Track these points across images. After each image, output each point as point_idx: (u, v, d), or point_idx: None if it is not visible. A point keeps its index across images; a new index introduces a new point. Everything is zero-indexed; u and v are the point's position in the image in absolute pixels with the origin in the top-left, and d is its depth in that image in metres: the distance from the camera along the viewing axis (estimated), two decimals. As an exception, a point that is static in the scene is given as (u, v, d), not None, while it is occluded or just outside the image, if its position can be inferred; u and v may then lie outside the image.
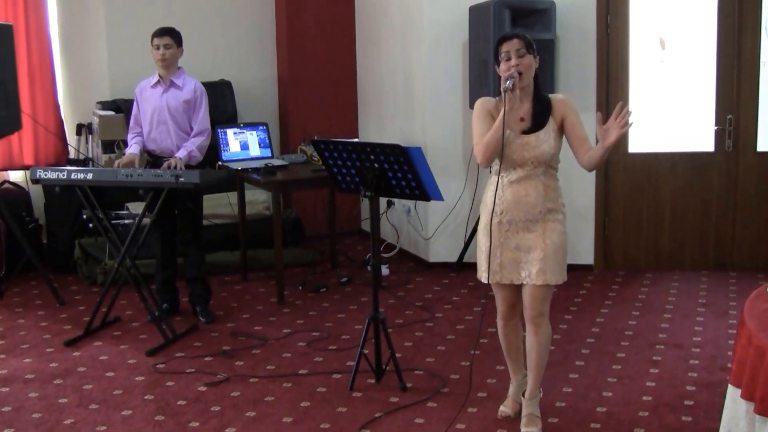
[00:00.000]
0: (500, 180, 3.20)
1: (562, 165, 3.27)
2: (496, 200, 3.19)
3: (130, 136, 4.73)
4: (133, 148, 4.62)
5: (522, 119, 3.17)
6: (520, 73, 3.08)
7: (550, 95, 3.25)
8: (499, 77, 3.16)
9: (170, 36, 4.57)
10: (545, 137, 3.15)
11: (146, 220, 4.43)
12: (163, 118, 4.62)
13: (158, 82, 4.65)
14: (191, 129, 4.67)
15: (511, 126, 3.15)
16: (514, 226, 3.19)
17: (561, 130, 3.20)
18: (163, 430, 3.36)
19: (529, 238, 3.18)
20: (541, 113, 3.17)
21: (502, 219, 3.19)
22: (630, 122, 3.04)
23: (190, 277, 4.79)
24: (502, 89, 3.08)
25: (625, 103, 3.02)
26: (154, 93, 4.65)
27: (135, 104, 4.75)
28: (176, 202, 4.58)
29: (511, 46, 3.10)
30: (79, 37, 6.20)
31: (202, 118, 4.67)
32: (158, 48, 4.56)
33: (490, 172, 3.28)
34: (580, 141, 3.19)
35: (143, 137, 4.69)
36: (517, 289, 3.28)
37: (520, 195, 3.16)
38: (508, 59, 3.10)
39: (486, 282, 3.28)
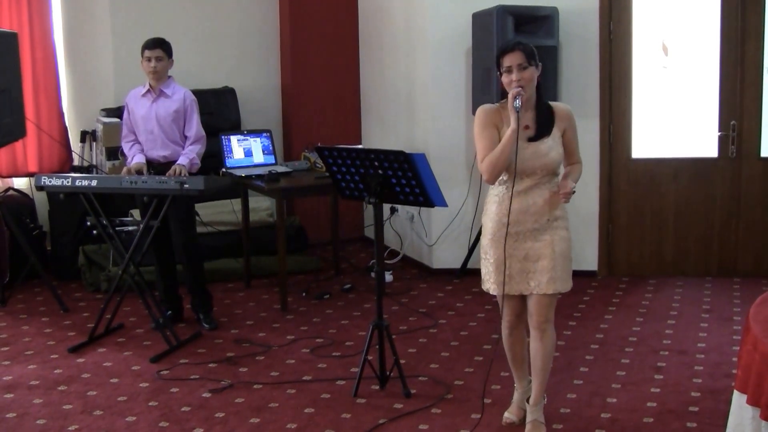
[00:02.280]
0: (507, 190, 3.18)
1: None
2: (503, 211, 3.17)
3: (127, 145, 4.72)
4: (138, 157, 4.63)
5: (527, 127, 3.16)
6: (522, 87, 3.08)
7: (552, 103, 3.25)
8: (502, 84, 3.15)
9: (161, 48, 4.59)
10: (553, 144, 3.15)
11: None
12: (151, 128, 4.63)
13: (148, 91, 4.66)
14: (181, 138, 4.67)
15: (507, 132, 3.14)
16: (522, 237, 3.18)
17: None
18: (167, 437, 3.37)
19: (538, 247, 3.17)
20: (545, 121, 3.16)
21: (509, 230, 3.17)
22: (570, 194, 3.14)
23: (189, 285, 4.78)
24: (512, 108, 3.05)
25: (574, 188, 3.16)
26: (143, 102, 4.66)
27: (126, 111, 4.75)
28: (170, 209, 4.54)
29: (512, 60, 3.08)
30: (84, 45, 6.22)
31: (197, 126, 4.67)
32: (150, 60, 4.57)
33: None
34: (569, 154, 3.25)
35: (140, 144, 4.70)
36: (523, 299, 3.27)
37: (528, 204, 3.16)
38: (509, 72, 3.09)
39: (494, 293, 3.27)
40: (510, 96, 3.08)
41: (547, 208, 3.16)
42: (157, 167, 4.61)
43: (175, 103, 4.63)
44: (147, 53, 4.58)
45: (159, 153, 4.63)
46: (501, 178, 3.19)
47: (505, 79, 3.12)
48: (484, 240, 3.27)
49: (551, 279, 3.15)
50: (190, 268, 4.73)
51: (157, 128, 4.62)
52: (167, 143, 4.63)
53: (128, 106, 4.74)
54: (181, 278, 4.86)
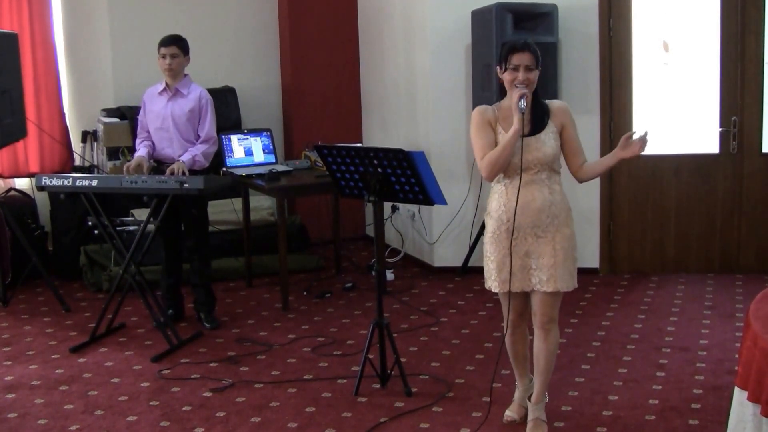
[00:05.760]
0: (505, 187, 3.18)
1: (565, 171, 3.25)
2: (503, 208, 3.18)
3: (138, 141, 4.76)
4: (141, 151, 4.64)
5: None
6: (527, 87, 3.07)
7: (548, 101, 3.25)
8: (500, 80, 3.15)
9: (177, 45, 4.58)
10: (546, 138, 3.14)
11: (151, 227, 4.44)
12: (166, 126, 4.64)
13: (164, 89, 4.66)
14: (196, 138, 4.68)
15: (510, 131, 3.14)
16: (522, 233, 3.16)
17: (560, 134, 3.19)
18: (169, 437, 3.37)
19: (539, 245, 3.16)
20: (539, 117, 3.16)
21: (509, 227, 3.17)
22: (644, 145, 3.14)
23: (194, 283, 4.79)
24: (516, 109, 3.04)
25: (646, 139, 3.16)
26: (159, 100, 4.67)
27: (142, 110, 4.76)
28: (181, 208, 4.58)
29: (522, 60, 3.07)
30: (84, 45, 6.23)
31: (209, 126, 4.68)
32: (165, 57, 4.57)
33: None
34: (575, 152, 3.21)
35: (151, 141, 4.71)
36: (525, 297, 3.26)
37: (527, 201, 3.14)
38: (516, 70, 3.09)
39: (496, 291, 3.26)
40: (515, 96, 3.06)
41: (546, 205, 3.15)
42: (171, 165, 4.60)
43: (191, 102, 4.64)
44: (162, 50, 4.58)
45: (172, 152, 4.63)
46: (499, 175, 3.19)
47: (508, 76, 3.11)
48: (486, 237, 3.27)
49: (551, 277, 3.15)
50: (198, 267, 4.74)
51: (171, 127, 4.62)
52: (182, 142, 4.64)
53: (144, 103, 4.74)
54: (185, 277, 4.87)
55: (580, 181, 3.27)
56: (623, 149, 3.14)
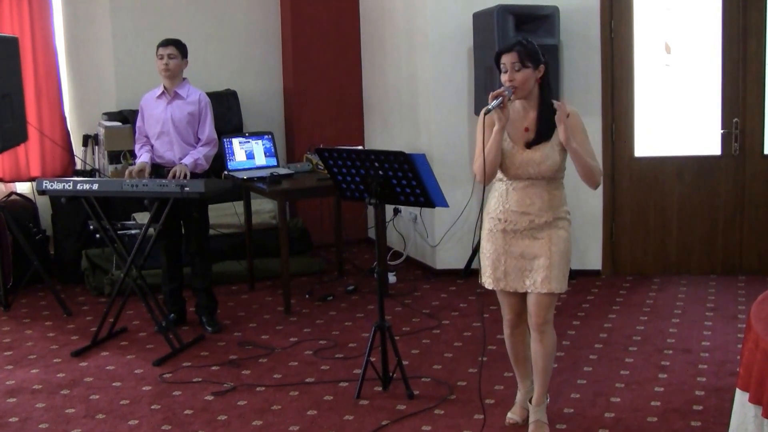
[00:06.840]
0: (506, 187, 3.18)
1: (570, 171, 3.24)
2: (501, 207, 3.18)
3: (137, 147, 4.75)
4: (144, 157, 4.63)
5: (527, 129, 3.14)
6: (515, 88, 3.07)
7: (557, 103, 3.18)
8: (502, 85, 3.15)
9: (175, 46, 4.58)
10: (550, 152, 3.11)
11: (152, 230, 4.44)
12: (166, 130, 4.63)
13: (163, 93, 4.66)
14: (195, 140, 4.68)
15: (515, 139, 3.13)
16: (519, 234, 3.17)
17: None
18: (170, 440, 3.37)
19: (534, 246, 3.16)
20: (547, 123, 3.12)
21: (506, 227, 3.18)
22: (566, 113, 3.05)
23: (196, 287, 4.79)
24: (488, 106, 3.03)
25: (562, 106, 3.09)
26: (158, 104, 4.67)
27: (140, 116, 4.75)
28: (182, 212, 4.58)
29: (507, 59, 3.08)
30: (86, 49, 6.24)
31: (209, 129, 4.68)
32: (162, 58, 4.57)
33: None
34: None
35: (150, 146, 4.71)
36: (522, 297, 3.26)
37: (525, 204, 3.15)
38: (506, 72, 3.09)
39: (489, 288, 3.27)
40: (491, 95, 3.07)
41: (545, 208, 3.15)
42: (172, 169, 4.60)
43: (190, 105, 4.64)
44: (160, 51, 4.58)
45: (173, 155, 4.63)
46: (498, 175, 3.19)
47: (503, 77, 3.12)
48: (483, 234, 3.28)
49: (546, 278, 3.14)
50: (200, 271, 4.74)
51: (172, 130, 4.62)
52: (182, 145, 4.64)
53: (142, 108, 4.74)
54: (186, 280, 4.87)
55: (589, 184, 3.18)
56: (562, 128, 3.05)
